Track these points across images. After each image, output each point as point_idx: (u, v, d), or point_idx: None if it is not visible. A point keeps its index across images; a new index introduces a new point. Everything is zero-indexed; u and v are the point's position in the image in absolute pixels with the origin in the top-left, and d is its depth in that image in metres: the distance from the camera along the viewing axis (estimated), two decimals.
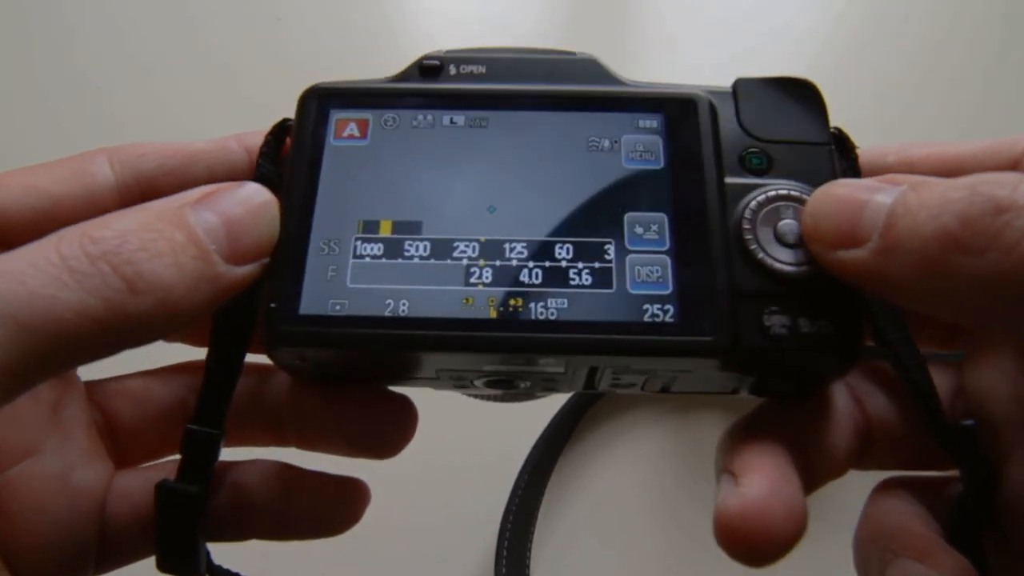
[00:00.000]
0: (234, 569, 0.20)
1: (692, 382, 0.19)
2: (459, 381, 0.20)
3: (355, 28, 0.54)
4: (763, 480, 0.17)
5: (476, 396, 0.21)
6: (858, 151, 0.20)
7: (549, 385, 0.20)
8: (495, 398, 0.21)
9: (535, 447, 0.37)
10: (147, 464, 0.21)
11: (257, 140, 0.20)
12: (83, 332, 0.15)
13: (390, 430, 0.20)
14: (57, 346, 0.14)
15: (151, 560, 0.19)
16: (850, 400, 0.19)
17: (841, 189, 0.17)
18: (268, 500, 0.20)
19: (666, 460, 0.39)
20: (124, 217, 0.16)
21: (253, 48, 0.52)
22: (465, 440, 0.39)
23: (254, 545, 0.21)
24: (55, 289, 0.14)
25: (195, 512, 0.19)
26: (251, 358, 0.19)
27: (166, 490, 0.19)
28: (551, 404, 0.38)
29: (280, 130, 0.20)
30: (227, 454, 0.20)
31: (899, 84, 0.51)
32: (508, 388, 0.20)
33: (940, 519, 0.18)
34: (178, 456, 0.19)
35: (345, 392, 0.20)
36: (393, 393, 0.20)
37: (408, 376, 0.20)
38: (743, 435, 0.18)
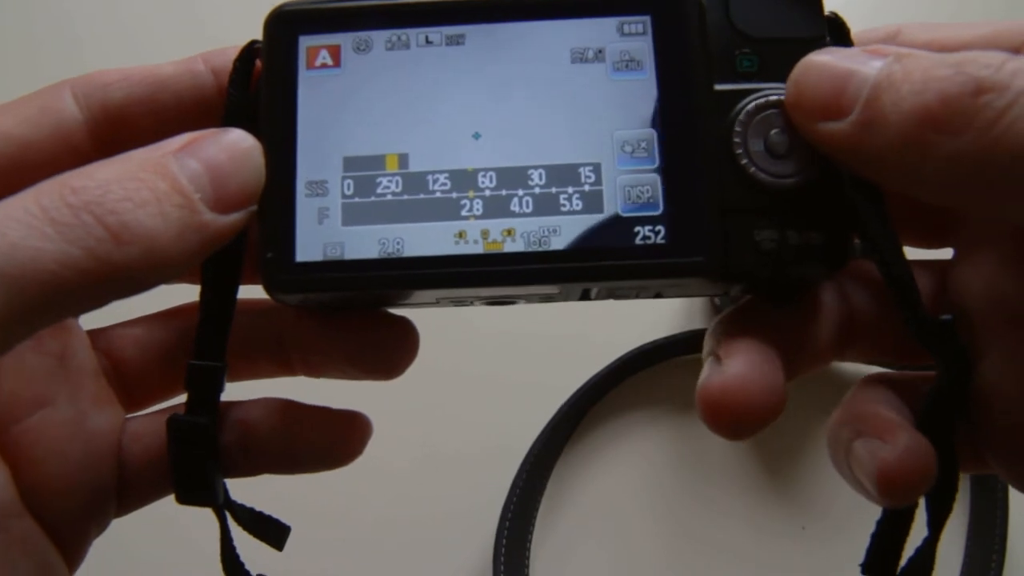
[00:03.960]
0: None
1: (684, 290, 0.20)
2: (459, 303, 0.20)
3: None
4: (745, 360, 0.18)
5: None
6: (853, 35, 0.19)
7: (546, 301, 0.20)
8: None
9: (535, 445, 0.36)
10: (156, 408, 0.21)
11: (224, 60, 0.19)
12: (69, 283, 0.14)
13: (394, 350, 0.20)
14: (43, 298, 0.14)
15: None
16: (835, 294, 0.20)
17: (826, 57, 0.17)
18: (273, 434, 0.20)
19: (666, 460, 0.38)
20: (105, 167, 0.16)
21: None
22: (464, 436, 0.39)
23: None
24: (37, 240, 0.14)
25: (207, 443, 0.19)
26: (250, 292, 0.20)
27: (177, 422, 0.19)
28: (551, 403, 0.37)
29: (248, 54, 0.19)
30: (239, 392, 0.21)
31: None
32: (506, 305, 0.20)
33: (915, 411, 0.18)
34: (184, 398, 0.20)
35: (348, 317, 0.20)
36: (395, 316, 0.21)
37: (409, 304, 0.20)
38: (729, 325, 0.19)
